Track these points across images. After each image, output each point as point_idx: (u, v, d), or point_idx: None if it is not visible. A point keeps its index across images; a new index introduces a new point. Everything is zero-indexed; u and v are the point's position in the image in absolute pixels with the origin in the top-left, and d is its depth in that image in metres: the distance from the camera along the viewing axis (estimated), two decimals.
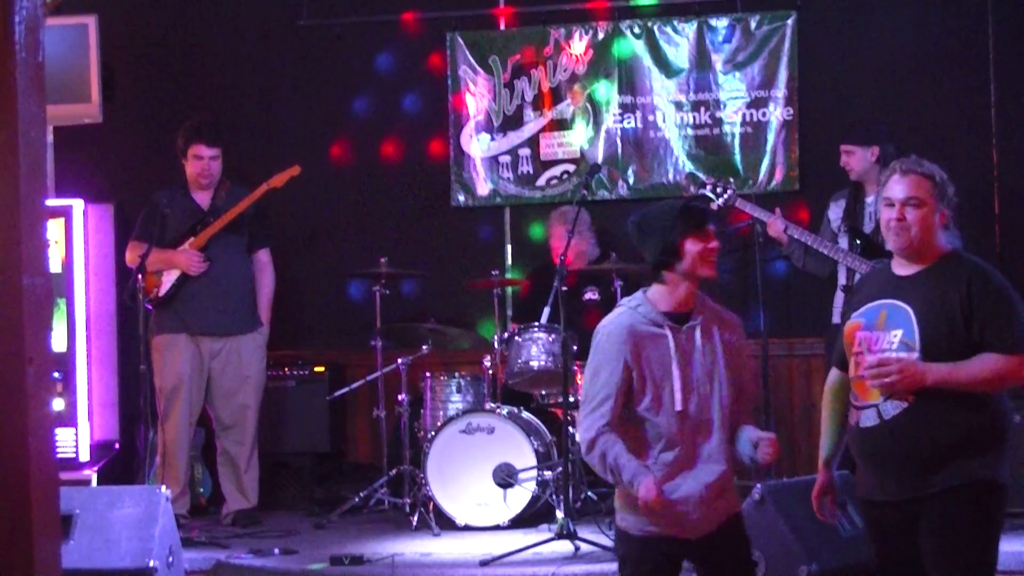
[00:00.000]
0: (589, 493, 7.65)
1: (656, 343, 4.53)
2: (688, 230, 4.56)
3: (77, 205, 8.46)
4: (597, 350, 4.63)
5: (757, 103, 8.92)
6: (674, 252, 4.56)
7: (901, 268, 4.57)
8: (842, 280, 7.59)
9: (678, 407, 4.49)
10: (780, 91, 8.88)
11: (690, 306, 4.62)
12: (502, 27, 9.29)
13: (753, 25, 8.90)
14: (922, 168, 4.53)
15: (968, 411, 4.35)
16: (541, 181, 9.14)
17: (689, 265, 4.56)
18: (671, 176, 8.98)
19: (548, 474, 7.47)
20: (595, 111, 9.07)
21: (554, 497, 7.42)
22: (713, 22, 8.95)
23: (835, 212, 7.79)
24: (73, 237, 8.40)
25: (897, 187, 4.52)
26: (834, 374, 4.73)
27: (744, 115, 8.93)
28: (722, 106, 8.96)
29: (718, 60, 8.96)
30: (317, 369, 8.79)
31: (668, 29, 9.01)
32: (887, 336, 4.43)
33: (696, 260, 4.56)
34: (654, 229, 4.63)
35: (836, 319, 7.59)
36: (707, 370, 4.56)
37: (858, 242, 7.48)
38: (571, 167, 9.09)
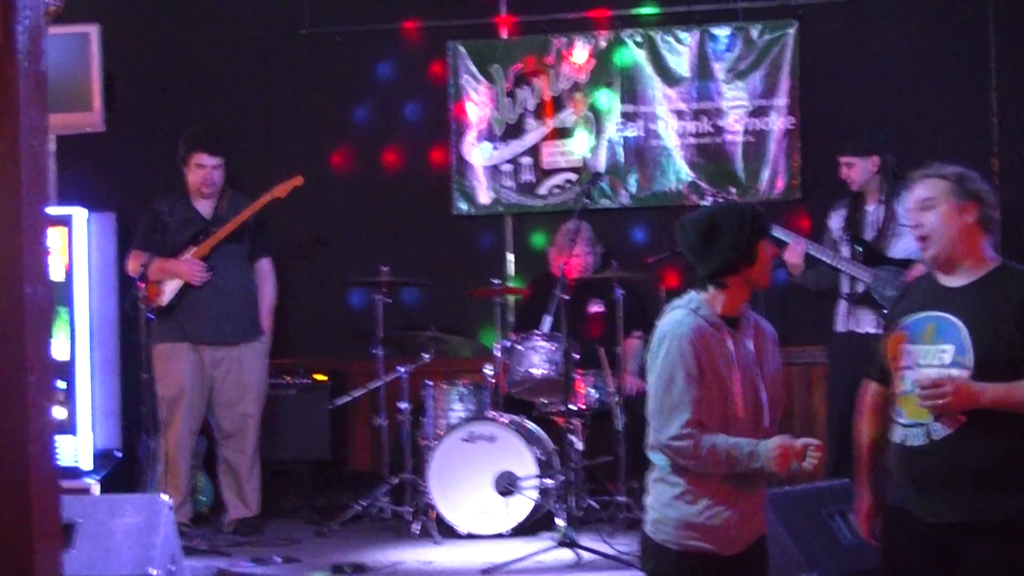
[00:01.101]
0: (590, 502, 7.65)
1: (718, 346, 4.35)
2: (763, 234, 4.39)
3: (79, 214, 8.45)
4: (668, 355, 4.35)
5: (758, 112, 8.94)
6: (748, 256, 4.35)
7: (948, 279, 4.34)
8: (844, 289, 7.58)
9: (739, 413, 4.32)
10: (781, 100, 8.89)
11: (739, 312, 4.45)
12: (504, 36, 9.30)
13: (754, 34, 8.92)
14: (937, 170, 4.35)
15: (1022, 435, 4.12)
16: (543, 190, 9.15)
17: (758, 271, 4.37)
18: (673, 185, 8.99)
19: (549, 482, 7.47)
20: (597, 120, 9.07)
21: (555, 506, 7.41)
22: (714, 31, 8.97)
23: (836, 221, 7.78)
24: (75, 246, 8.39)
25: (911, 194, 4.37)
26: (873, 388, 4.52)
27: (745, 124, 8.94)
28: (723, 115, 8.96)
29: (719, 69, 8.97)
30: (318, 377, 8.79)
31: (669, 38, 9.02)
32: (935, 351, 4.21)
33: (765, 266, 4.39)
34: (729, 230, 4.34)
35: (839, 328, 7.59)
36: (754, 377, 4.40)
37: (859, 250, 7.48)
38: (573, 176, 9.09)
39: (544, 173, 9.15)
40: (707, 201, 7.60)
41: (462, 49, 9.22)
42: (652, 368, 4.42)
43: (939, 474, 4.18)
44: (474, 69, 9.19)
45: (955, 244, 4.28)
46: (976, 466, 4.12)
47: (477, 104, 9.21)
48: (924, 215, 4.31)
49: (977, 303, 4.21)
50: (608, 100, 9.06)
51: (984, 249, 4.32)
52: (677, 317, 4.43)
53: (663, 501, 4.47)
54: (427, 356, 8.07)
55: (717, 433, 4.28)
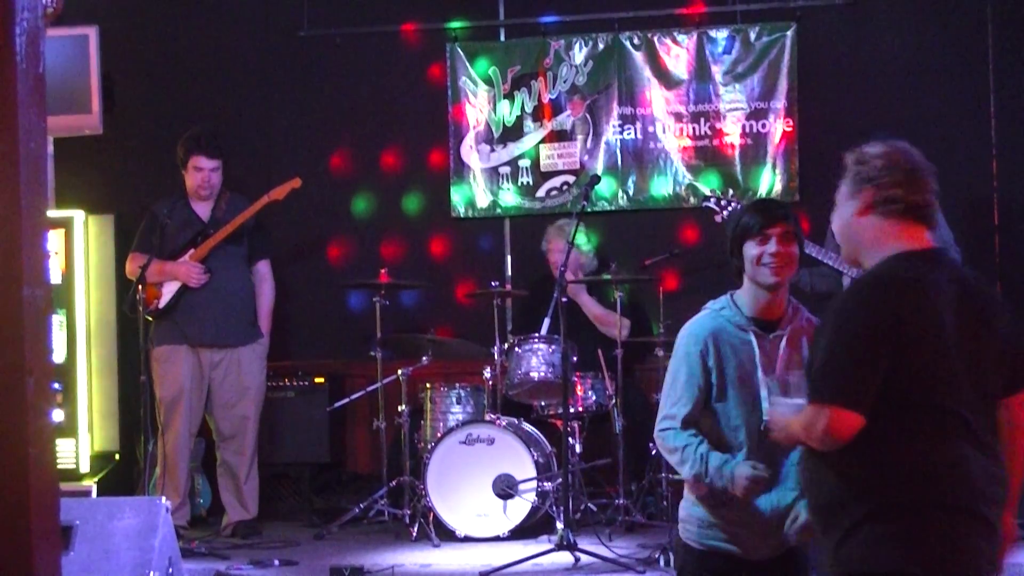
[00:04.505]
0: (589, 504, 7.65)
1: (740, 348, 4.31)
2: (746, 232, 4.34)
3: (78, 216, 8.46)
4: (677, 353, 4.40)
5: (757, 114, 8.94)
6: (734, 255, 4.38)
7: None
8: None
9: (762, 416, 4.22)
10: (780, 102, 8.90)
11: (778, 314, 4.38)
12: (502, 38, 9.30)
13: (753, 36, 8.92)
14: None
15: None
16: (541, 192, 9.15)
17: (749, 270, 4.34)
18: (671, 187, 8.99)
19: (548, 485, 7.47)
20: (595, 122, 9.08)
21: (554, 508, 7.41)
22: (713, 33, 8.97)
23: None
24: (74, 248, 8.40)
25: None
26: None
27: (744, 126, 8.95)
28: (722, 117, 8.97)
29: (718, 71, 8.97)
30: (317, 380, 8.79)
31: (668, 40, 9.02)
32: None
33: (752, 265, 4.32)
34: (728, 229, 4.43)
35: None
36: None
37: None
38: (571, 178, 9.10)
39: (542, 175, 9.16)
40: (708, 204, 7.56)
41: (460, 51, 9.22)
42: (670, 364, 4.45)
43: None
44: (472, 71, 9.20)
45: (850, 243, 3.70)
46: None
47: (475, 106, 9.21)
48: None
49: None
50: (606, 102, 9.06)
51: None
52: (699, 317, 4.45)
53: (690, 500, 4.48)
54: (426, 359, 8.06)
55: (715, 446, 4.27)
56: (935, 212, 3.62)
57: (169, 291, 7.85)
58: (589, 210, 8.42)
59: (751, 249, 4.32)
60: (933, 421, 3.38)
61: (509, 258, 9.19)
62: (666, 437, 4.37)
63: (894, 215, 3.53)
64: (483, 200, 9.20)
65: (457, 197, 9.21)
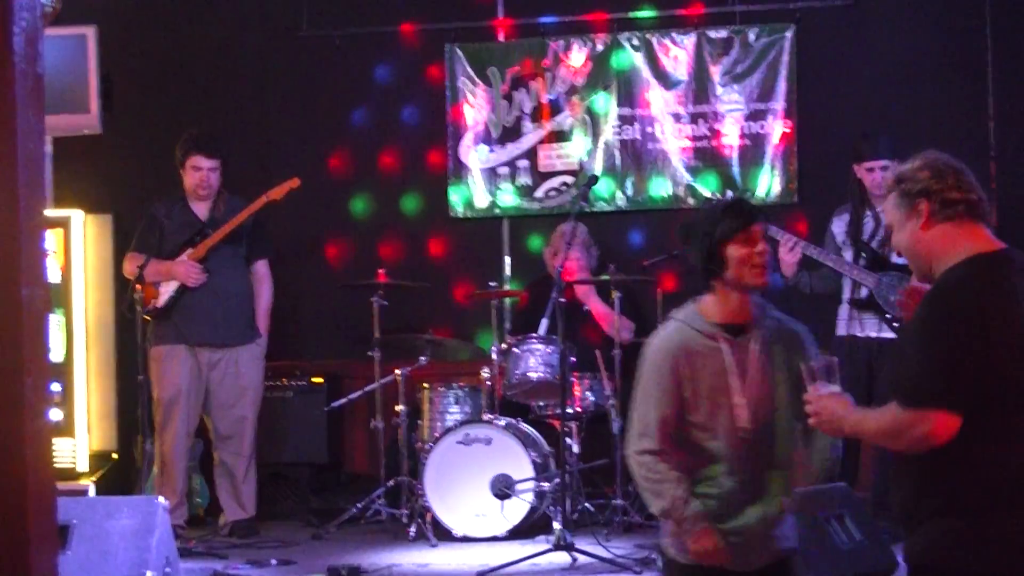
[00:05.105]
0: (586, 505, 7.66)
1: (710, 357, 4.19)
2: (730, 233, 4.18)
3: (76, 216, 8.46)
4: (646, 368, 4.28)
5: (756, 115, 8.94)
6: (717, 259, 4.20)
7: None
8: (847, 294, 7.53)
9: (740, 424, 4.15)
10: (779, 103, 8.90)
11: (747, 317, 4.26)
12: (501, 39, 9.31)
13: (752, 38, 8.92)
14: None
15: None
16: (539, 193, 9.15)
17: (734, 273, 4.19)
18: (670, 188, 9.00)
19: (546, 485, 7.47)
20: (594, 123, 9.08)
21: (551, 508, 7.41)
22: (712, 34, 8.97)
23: (839, 226, 7.72)
24: (72, 248, 8.40)
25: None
26: None
27: (742, 127, 8.95)
28: (721, 118, 8.97)
29: (717, 72, 8.97)
30: (315, 380, 8.80)
31: (667, 41, 9.03)
32: None
33: (740, 267, 4.17)
34: (696, 233, 4.24)
35: (841, 331, 7.54)
36: (767, 390, 4.20)
37: (864, 255, 7.43)
38: (569, 179, 9.10)
39: (541, 176, 9.16)
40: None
41: (459, 52, 9.22)
42: (637, 379, 4.33)
43: None
44: (471, 72, 9.20)
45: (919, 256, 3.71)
46: None
47: (474, 107, 9.22)
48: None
49: None
50: (605, 103, 9.07)
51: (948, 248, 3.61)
52: (664, 330, 4.34)
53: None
54: (424, 359, 8.07)
55: (682, 470, 4.17)
56: (988, 209, 3.68)
57: (167, 291, 7.85)
58: (588, 211, 8.42)
59: (736, 251, 4.18)
60: (1010, 423, 3.44)
61: (507, 259, 9.19)
62: (644, 464, 4.22)
63: (956, 218, 3.58)
64: (481, 200, 9.20)
65: (455, 197, 9.21)
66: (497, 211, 9.22)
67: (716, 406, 4.18)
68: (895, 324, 7.17)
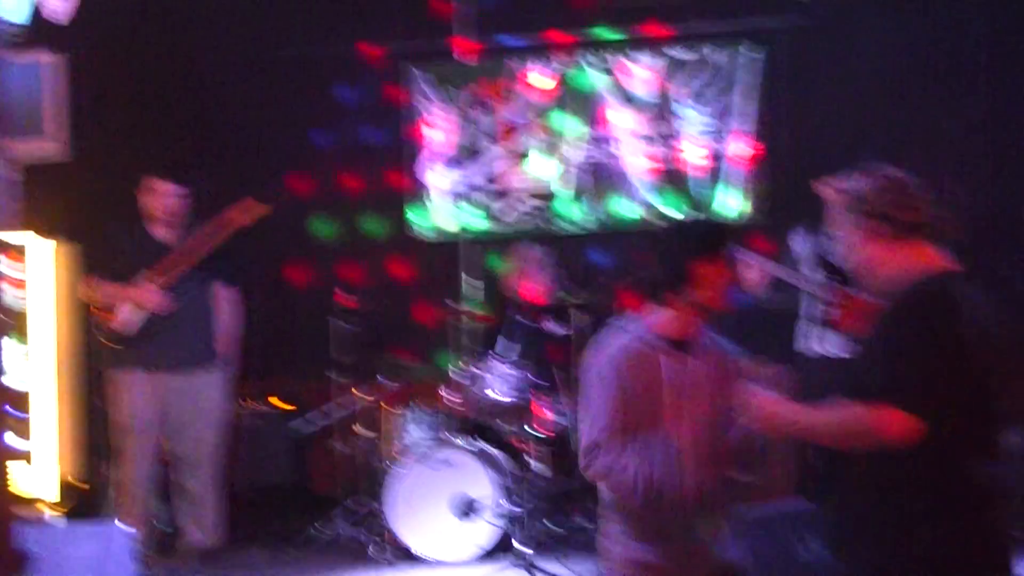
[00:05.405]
0: (550, 525, 7.67)
1: (650, 368, 4.24)
2: (701, 253, 4.23)
3: (45, 243, 8.45)
4: (590, 377, 4.31)
5: (721, 135, 8.97)
6: (683, 276, 4.23)
7: None
8: (806, 310, 7.57)
9: (673, 440, 4.20)
10: (745, 123, 8.92)
11: (690, 334, 4.31)
12: (463, 59, 9.30)
13: (717, 58, 8.95)
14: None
15: None
16: (501, 214, 9.18)
17: (698, 293, 4.24)
18: (635, 210, 9.02)
19: (508, 506, 7.49)
20: (556, 144, 9.11)
21: (515, 529, 7.41)
22: (676, 55, 8.99)
23: (799, 244, 7.75)
24: (37, 274, 8.39)
25: None
26: None
27: (708, 147, 8.97)
28: (685, 138, 8.99)
29: (681, 92, 9.00)
30: (276, 402, 8.79)
31: (631, 62, 9.06)
32: None
33: (707, 289, 4.23)
34: (665, 248, 4.31)
35: (799, 346, 7.57)
36: (702, 406, 4.25)
37: (834, 275, 7.44)
38: (531, 200, 9.13)
39: (502, 197, 9.18)
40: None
41: (420, 72, 9.24)
42: (581, 388, 4.36)
43: None
44: (432, 92, 9.23)
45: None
46: None
47: (436, 127, 9.24)
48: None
49: None
50: (567, 123, 9.10)
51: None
52: (606, 338, 4.37)
53: (609, 537, 4.44)
54: (385, 380, 8.07)
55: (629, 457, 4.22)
56: (941, 228, 3.76)
57: (135, 317, 7.78)
58: (550, 232, 8.46)
59: (703, 272, 4.23)
60: (976, 432, 3.58)
61: (467, 279, 9.20)
62: (593, 466, 4.28)
63: (909, 236, 3.70)
64: (442, 221, 9.21)
65: (415, 218, 9.24)
66: (458, 232, 9.22)
67: (654, 417, 4.23)
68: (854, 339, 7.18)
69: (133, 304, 7.75)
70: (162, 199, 7.85)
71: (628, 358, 4.26)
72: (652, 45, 9.06)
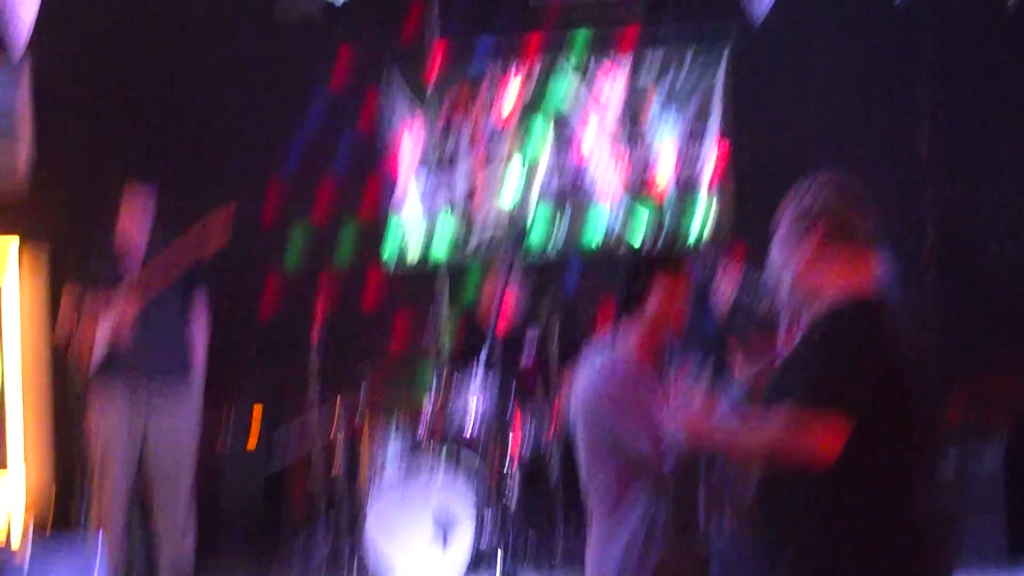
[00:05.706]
0: (531, 536, 7.63)
1: (636, 386, 4.34)
2: (654, 281, 4.40)
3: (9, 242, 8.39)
4: (600, 401, 4.38)
5: (692, 138, 8.95)
6: (637, 302, 4.41)
7: None
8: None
9: (653, 454, 4.25)
10: (715, 126, 8.92)
11: (654, 356, 4.45)
12: (434, 66, 9.20)
13: (688, 60, 8.93)
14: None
15: None
16: (474, 242, 9.13)
17: (652, 318, 4.40)
18: (602, 233, 8.98)
19: (488, 517, 7.43)
20: (529, 151, 9.05)
21: (494, 541, 7.37)
22: (645, 57, 8.94)
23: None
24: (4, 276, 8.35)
25: None
26: None
27: (679, 152, 8.95)
28: (657, 142, 8.96)
29: (653, 95, 8.98)
30: (253, 415, 8.71)
31: (603, 64, 8.99)
32: None
33: (659, 314, 4.40)
34: (625, 274, 4.49)
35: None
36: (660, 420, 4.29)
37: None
38: (503, 228, 9.05)
39: (475, 226, 9.12)
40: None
41: (395, 78, 9.16)
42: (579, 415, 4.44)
43: None
44: (406, 98, 9.14)
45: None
46: None
47: (410, 135, 9.15)
48: None
49: None
50: (539, 135, 9.04)
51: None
52: (590, 360, 4.50)
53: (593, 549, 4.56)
54: (363, 401, 7.99)
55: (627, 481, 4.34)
56: (880, 233, 3.75)
57: (110, 329, 7.65)
58: (522, 258, 8.39)
59: (657, 298, 4.40)
60: (909, 438, 3.56)
61: (442, 306, 9.14)
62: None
63: (836, 242, 3.68)
64: (416, 251, 9.19)
65: (390, 240, 9.16)
66: (432, 261, 9.19)
67: (637, 436, 4.28)
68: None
69: (116, 314, 7.61)
70: (133, 210, 7.74)
71: (615, 377, 4.37)
72: (623, 48, 9.01)
